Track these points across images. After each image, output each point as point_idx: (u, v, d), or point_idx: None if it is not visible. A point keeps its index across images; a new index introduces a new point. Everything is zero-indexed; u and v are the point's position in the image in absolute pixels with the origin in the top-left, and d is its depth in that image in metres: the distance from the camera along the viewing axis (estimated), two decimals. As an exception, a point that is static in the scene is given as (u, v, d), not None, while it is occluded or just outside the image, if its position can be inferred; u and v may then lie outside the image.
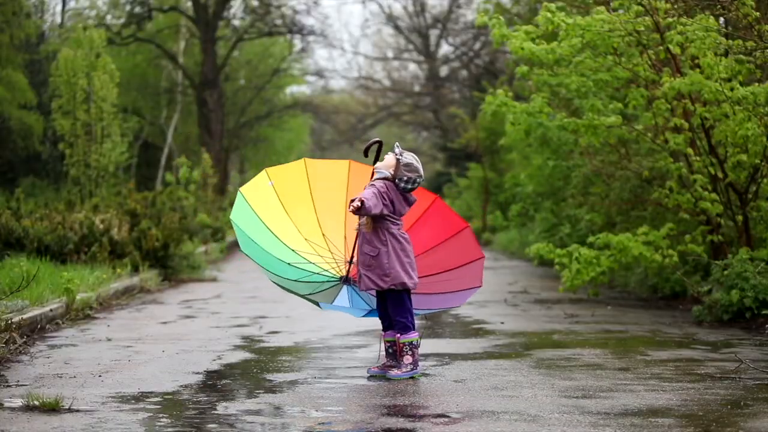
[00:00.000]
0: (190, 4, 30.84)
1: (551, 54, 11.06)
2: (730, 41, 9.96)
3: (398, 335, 6.82)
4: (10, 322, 8.10)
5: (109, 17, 31.14)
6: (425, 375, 6.89)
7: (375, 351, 7.86)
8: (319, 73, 41.12)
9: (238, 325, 9.72)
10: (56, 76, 20.51)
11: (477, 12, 18.00)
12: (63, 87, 20.22)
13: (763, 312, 9.44)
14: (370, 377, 6.86)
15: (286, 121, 36.60)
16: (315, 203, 7.34)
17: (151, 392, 6.24)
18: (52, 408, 5.63)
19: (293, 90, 40.57)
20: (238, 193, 7.18)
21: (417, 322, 7.64)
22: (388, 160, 6.90)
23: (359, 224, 6.92)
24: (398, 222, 6.86)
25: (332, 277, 7.23)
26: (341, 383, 6.68)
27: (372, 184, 6.82)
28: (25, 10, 26.68)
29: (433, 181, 38.63)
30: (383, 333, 7.01)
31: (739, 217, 10.91)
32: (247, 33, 32.53)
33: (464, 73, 38.49)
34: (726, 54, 10.14)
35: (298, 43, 35.16)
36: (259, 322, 9.96)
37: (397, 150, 6.87)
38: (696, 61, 10.38)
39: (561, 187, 16.16)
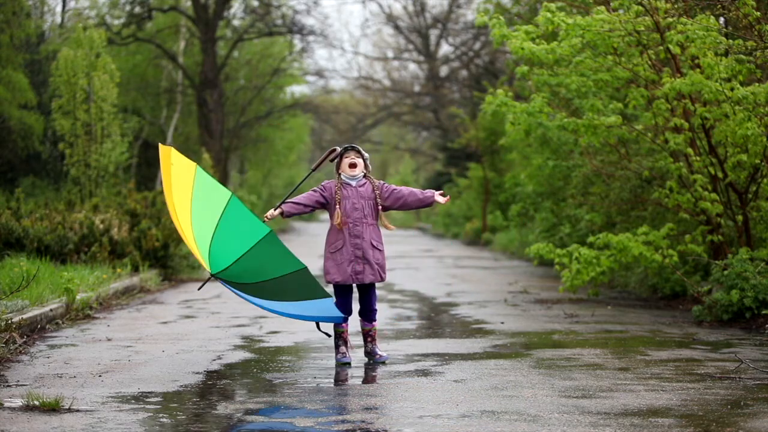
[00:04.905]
0: (190, 4, 30.80)
1: (551, 54, 11.06)
2: (731, 41, 9.96)
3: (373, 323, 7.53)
4: (10, 322, 8.11)
5: (109, 17, 31.09)
6: (384, 363, 7.39)
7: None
8: (319, 73, 41.11)
9: (238, 325, 9.72)
10: (56, 76, 20.46)
11: (477, 12, 17.98)
12: (63, 87, 20.16)
13: (763, 312, 9.44)
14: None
15: (286, 121, 36.58)
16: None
17: (151, 392, 6.24)
18: (52, 408, 5.63)
19: (293, 90, 40.55)
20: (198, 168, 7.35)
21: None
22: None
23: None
24: (348, 219, 7.26)
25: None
26: (341, 383, 6.68)
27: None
28: (25, 10, 26.61)
29: (433, 181, 38.63)
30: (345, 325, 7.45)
31: (739, 217, 10.91)
32: (247, 33, 32.50)
33: (464, 73, 38.48)
34: (726, 54, 10.14)
35: (298, 43, 35.12)
36: (259, 322, 9.96)
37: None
38: (696, 61, 10.38)
39: (561, 187, 16.15)
